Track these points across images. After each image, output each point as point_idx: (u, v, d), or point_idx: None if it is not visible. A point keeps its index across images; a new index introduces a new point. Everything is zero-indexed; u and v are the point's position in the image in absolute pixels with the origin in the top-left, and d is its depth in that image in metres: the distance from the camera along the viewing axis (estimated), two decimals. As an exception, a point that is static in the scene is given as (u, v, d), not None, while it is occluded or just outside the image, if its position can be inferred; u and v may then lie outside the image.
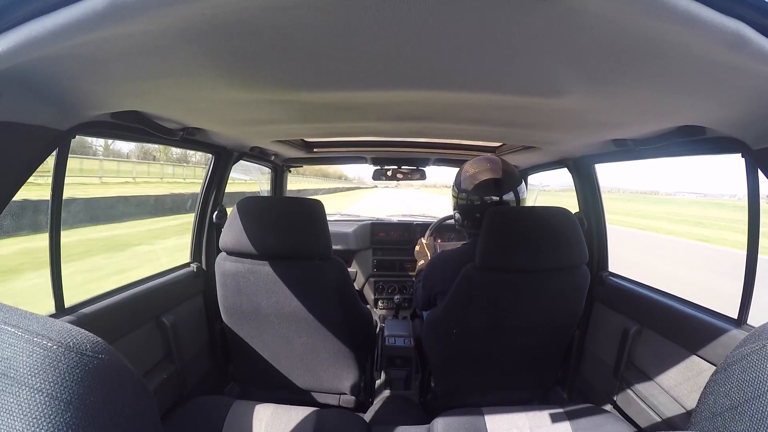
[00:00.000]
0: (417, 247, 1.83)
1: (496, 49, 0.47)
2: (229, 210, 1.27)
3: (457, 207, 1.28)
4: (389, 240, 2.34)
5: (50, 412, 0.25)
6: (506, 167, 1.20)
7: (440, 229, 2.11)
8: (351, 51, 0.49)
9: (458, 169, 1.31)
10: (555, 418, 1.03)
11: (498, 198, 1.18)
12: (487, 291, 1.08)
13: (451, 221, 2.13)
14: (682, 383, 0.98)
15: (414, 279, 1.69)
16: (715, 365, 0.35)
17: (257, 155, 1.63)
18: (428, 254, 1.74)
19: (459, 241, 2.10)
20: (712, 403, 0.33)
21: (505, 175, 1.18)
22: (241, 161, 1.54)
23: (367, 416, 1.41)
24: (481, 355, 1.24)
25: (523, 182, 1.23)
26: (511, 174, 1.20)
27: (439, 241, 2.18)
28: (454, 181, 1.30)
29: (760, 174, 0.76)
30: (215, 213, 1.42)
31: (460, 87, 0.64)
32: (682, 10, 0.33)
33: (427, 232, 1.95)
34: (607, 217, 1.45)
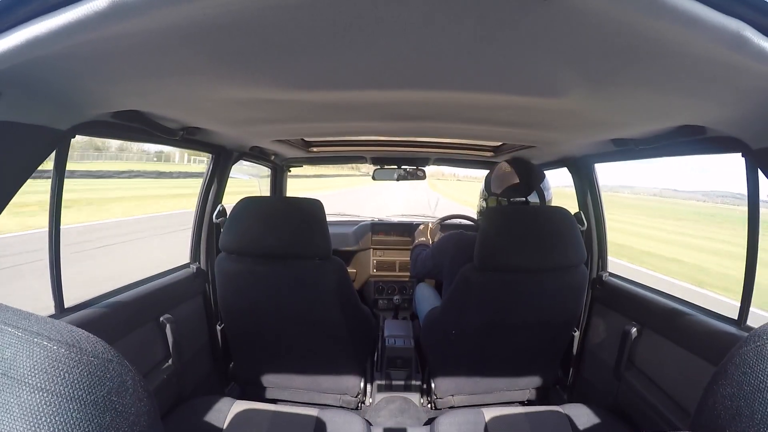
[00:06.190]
0: (421, 227, 1.90)
1: (497, 49, 0.47)
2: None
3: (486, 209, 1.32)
4: (389, 240, 2.34)
5: (50, 412, 0.25)
6: (531, 169, 1.25)
7: (446, 226, 2.14)
8: (351, 50, 0.49)
9: (487, 172, 1.36)
10: (555, 418, 1.03)
11: (524, 199, 1.20)
12: (485, 291, 1.08)
13: (460, 221, 2.19)
14: (682, 384, 0.98)
15: (410, 251, 1.79)
16: (715, 365, 0.35)
17: (257, 155, 1.63)
18: (429, 239, 1.82)
19: None
20: (711, 403, 0.33)
21: (531, 178, 1.22)
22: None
23: (368, 416, 1.41)
24: (481, 354, 1.24)
25: (548, 183, 1.26)
26: (536, 176, 1.24)
27: (440, 234, 2.21)
28: (484, 185, 1.35)
29: (761, 174, 0.76)
30: (215, 213, 1.42)
31: (460, 87, 0.64)
32: (683, 10, 0.33)
33: (437, 220, 2.04)
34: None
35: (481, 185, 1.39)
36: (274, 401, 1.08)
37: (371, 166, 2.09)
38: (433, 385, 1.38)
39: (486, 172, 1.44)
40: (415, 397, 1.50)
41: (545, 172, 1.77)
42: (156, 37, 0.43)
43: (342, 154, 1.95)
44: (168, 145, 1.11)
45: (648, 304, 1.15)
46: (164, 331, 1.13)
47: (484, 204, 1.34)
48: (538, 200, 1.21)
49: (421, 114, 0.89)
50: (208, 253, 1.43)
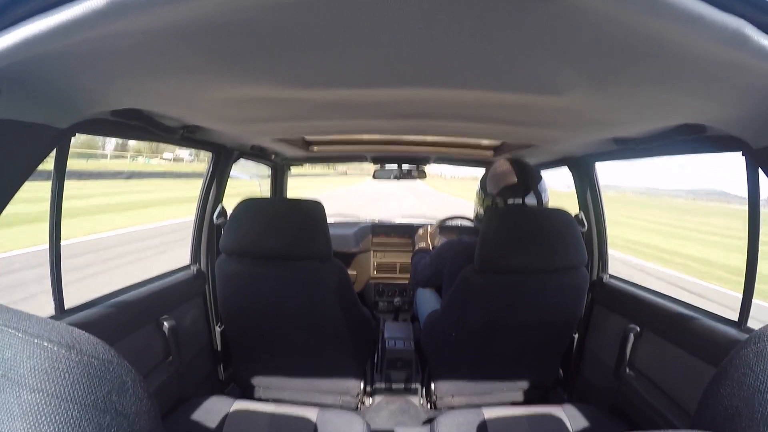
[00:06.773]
0: (421, 231, 1.88)
1: (497, 47, 0.47)
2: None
3: (482, 209, 1.30)
4: (390, 242, 2.34)
5: (50, 412, 0.25)
6: (529, 170, 1.23)
7: (446, 228, 2.14)
8: (351, 49, 0.49)
9: (484, 171, 1.34)
10: (555, 419, 1.03)
11: (521, 200, 1.19)
12: (486, 293, 1.08)
13: (459, 222, 2.19)
14: (683, 385, 0.98)
15: (411, 259, 1.72)
16: (715, 367, 0.35)
17: (257, 154, 1.63)
18: (429, 243, 1.80)
19: None
20: (711, 403, 0.33)
21: (528, 178, 1.21)
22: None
23: (368, 417, 1.41)
24: (481, 355, 1.24)
25: (545, 184, 1.25)
26: (533, 177, 1.22)
27: (439, 238, 2.21)
28: (480, 184, 1.32)
29: (761, 173, 0.76)
30: (215, 213, 1.42)
31: (461, 85, 0.64)
32: (683, 8, 0.33)
33: (436, 223, 2.03)
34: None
35: (476, 187, 1.37)
36: (273, 401, 1.08)
37: (371, 165, 2.09)
38: (432, 386, 1.38)
39: (483, 171, 1.42)
40: (414, 398, 1.50)
41: (545, 170, 1.78)
42: (154, 36, 0.43)
43: (343, 153, 1.95)
44: (169, 143, 1.11)
45: (648, 306, 1.14)
46: (164, 332, 1.13)
47: (480, 209, 1.31)
48: (535, 202, 1.21)
49: (421, 112, 0.89)
50: (208, 255, 1.43)
